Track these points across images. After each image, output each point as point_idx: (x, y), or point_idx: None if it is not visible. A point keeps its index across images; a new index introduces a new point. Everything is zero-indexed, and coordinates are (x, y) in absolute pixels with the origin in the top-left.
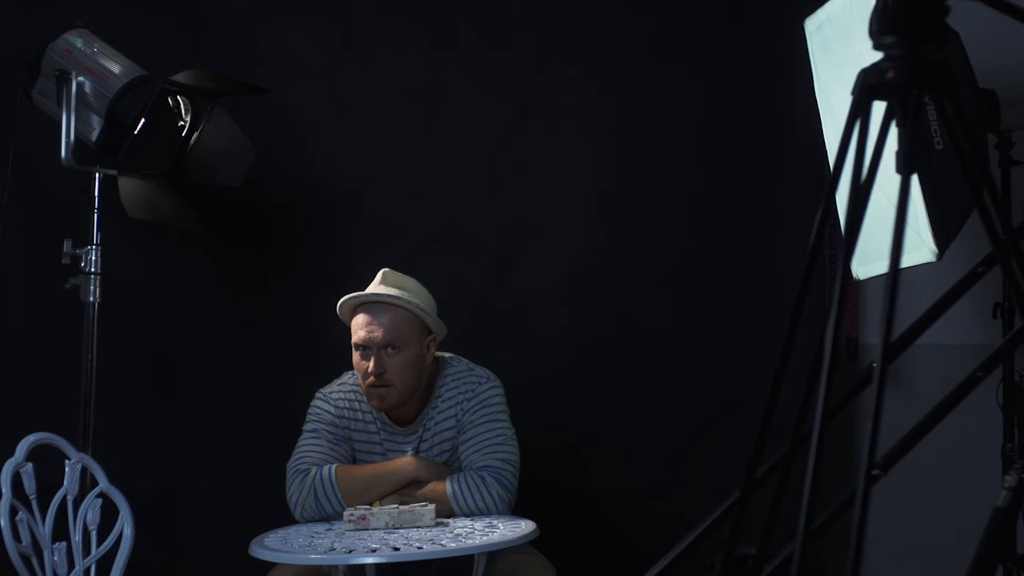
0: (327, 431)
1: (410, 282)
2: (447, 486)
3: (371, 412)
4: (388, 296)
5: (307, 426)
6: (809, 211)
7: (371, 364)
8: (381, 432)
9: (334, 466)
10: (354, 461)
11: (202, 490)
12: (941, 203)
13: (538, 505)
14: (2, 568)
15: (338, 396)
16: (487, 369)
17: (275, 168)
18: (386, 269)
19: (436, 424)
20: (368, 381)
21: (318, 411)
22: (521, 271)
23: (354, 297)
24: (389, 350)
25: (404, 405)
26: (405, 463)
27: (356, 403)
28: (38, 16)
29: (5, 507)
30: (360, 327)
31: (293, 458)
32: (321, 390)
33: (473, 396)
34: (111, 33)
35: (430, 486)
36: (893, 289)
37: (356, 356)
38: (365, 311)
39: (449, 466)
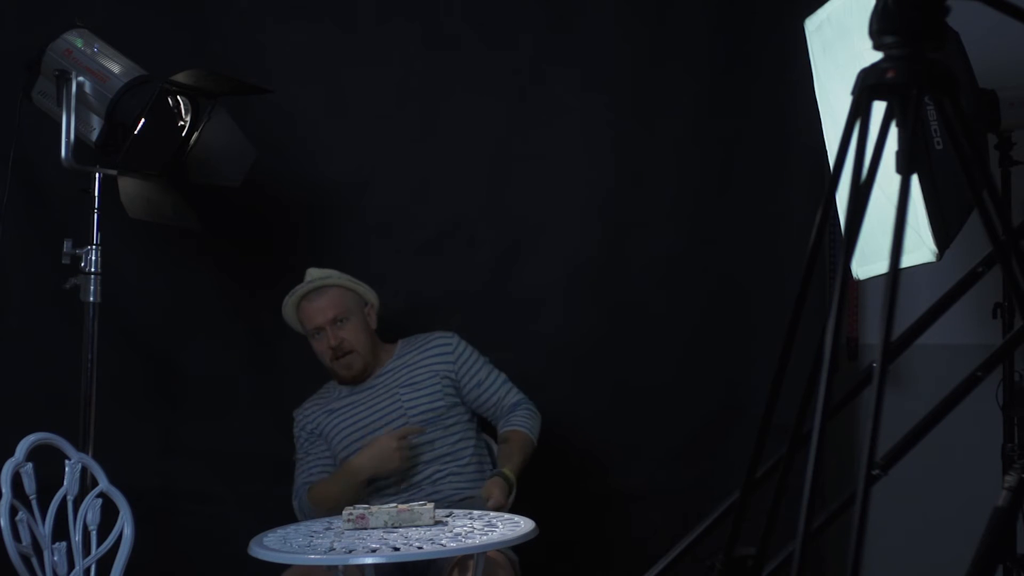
0: (304, 445)
1: (332, 270)
2: (524, 431)
3: (338, 391)
4: (317, 281)
5: (295, 453)
6: (809, 211)
7: (329, 339)
8: (347, 397)
9: (304, 492)
10: (336, 446)
11: (202, 490)
12: (941, 203)
13: (538, 505)
14: (2, 568)
15: (307, 406)
16: None
17: (275, 168)
18: (310, 268)
19: (401, 370)
20: (331, 356)
21: (295, 431)
22: (521, 271)
23: (291, 295)
24: (339, 323)
25: (368, 368)
26: (353, 462)
27: (325, 396)
28: (38, 16)
29: (5, 507)
30: (307, 317)
31: (294, 479)
32: (295, 410)
33: (454, 348)
34: (111, 33)
35: (516, 438)
36: (893, 289)
37: (315, 344)
38: (305, 304)
39: (421, 388)
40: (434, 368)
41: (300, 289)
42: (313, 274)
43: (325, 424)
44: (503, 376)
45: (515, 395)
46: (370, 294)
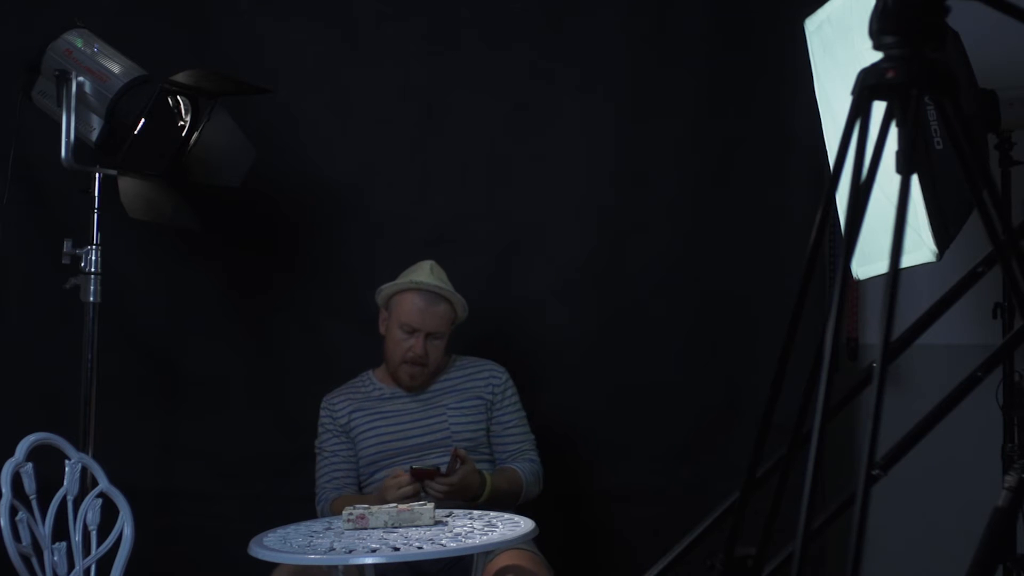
0: (331, 440)
1: (444, 278)
2: (522, 477)
3: (377, 388)
4: (443, 290)
5: (317, 440)
6: (809, 211)
7: (417, 346)
8: (390, 400)
9: (329, 503)
10: (365, 447)
11: (202, 490)
12: (941, 203)
13: (538, 504)
14: (2, 568)
15: (341, 397)
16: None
17: (275, 168)
18: (432, 262)
19: (453, 392)
20: (408, 358)
21: (321, 421)
22: (520, 271)
23: (410, 278)
24: (433, 338)
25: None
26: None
27: (361, 389)
28: (38, 16)
29: (5, 507)
30: (415, 312)
31: (316, 477)
32: (326, 396)
33: (503, 383)
34: (111, 33)
35: (513, 475)
36: (893, 289)
37: (398, 333)
38: (421, 297)
39: (464, 412)
40: (482, 395)
41: (425, 283)
42: (427, 272)
43: (360, 423)
44: (532, 436)
45: (532, 454)
46: (462, 312)
